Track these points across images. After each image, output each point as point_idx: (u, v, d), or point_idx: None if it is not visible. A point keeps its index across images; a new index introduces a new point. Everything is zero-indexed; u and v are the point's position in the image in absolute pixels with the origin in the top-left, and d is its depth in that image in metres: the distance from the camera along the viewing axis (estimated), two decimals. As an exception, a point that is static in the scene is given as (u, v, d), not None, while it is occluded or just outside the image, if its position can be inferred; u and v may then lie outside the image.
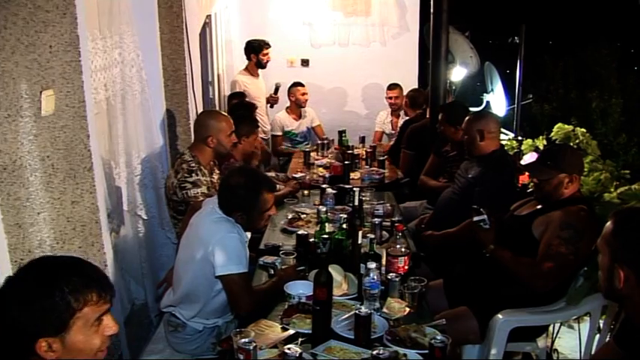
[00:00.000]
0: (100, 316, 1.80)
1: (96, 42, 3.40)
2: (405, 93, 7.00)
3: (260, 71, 7.12)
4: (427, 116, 6.08)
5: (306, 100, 7.15)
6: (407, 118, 6.66)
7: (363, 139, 6.91)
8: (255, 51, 6.94)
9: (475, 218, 3.43)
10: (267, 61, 7.05)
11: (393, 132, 7.19)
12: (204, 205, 3.26)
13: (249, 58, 7.03)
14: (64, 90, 2.64)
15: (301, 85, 7.15)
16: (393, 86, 7.25)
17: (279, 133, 7.18)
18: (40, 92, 2.46)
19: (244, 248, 3.10)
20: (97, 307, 1.78)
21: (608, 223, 2.20)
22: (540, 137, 4.99)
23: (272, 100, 7.25)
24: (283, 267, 3.34)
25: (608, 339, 3.14)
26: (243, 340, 2.42)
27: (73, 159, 2.70)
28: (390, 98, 7.23)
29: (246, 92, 6.82)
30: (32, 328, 1.72)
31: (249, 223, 3.18)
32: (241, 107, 5.35)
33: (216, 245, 2.97)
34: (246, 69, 7.06)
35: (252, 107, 5.84)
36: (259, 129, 5.99)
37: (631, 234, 2.13)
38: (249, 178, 3.15)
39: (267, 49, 6.99)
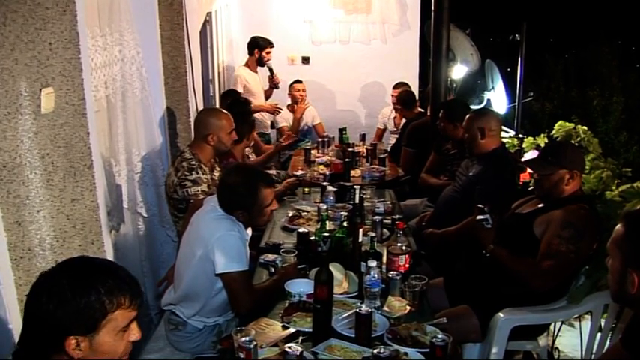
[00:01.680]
0: (129, 322, 1.83)
1: (96, 39, 3.39)
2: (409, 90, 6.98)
3: (258, 69, 7.12)
4: (428, 114, 6.08)
5: (301, 97, 7.11)
6: (406, 120, 6.63)
7: (363, 137, 6.89)
8: (260, 47, 6.95)
9: (478, 217, 3.43)
10: (268, 60, 7.05)
11: (395, 129, 7.18)
12: (205, 203, 3.25)
13: (251, 53, 7.02)
14: (64, 87, 2.63)
15: (298, 82, 7.15)
16: (398, 85, 7.20)
17: (285, 124, 7.15)
18: (40, 90, 2.45)
19: (244, 246, 3.09)
20: (127, 312, 1.82)
21: (619, 226, 2.17)
22: (541, 135, 4.97)
23: (273, 84, 7.19)
24: (284, 265, 3.34)
25: (609, 338, 3.14)
26: (243, 338, 2.41)
27: (73, 157, 2.70)
28: (394, 96, 7.19)
29: (247, 87, 6.86)
30: (65, 325, 1.75)
31: (251, 221, 3.18)
32: (238, 105, 5.33)
33: (216, 243, 2.97)
34: (247, 64, 7.06)
35: (248, 104, 5.83)
36: (261, 124, 6.05)
37: None
38: (246, 175, 3.14)
39: (270, 48, 7.01)
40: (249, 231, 3.33)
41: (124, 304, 1.80)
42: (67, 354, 1.76)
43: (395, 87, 7.22)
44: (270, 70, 7.13)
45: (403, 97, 6.65)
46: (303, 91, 7.10)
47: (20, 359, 1.81)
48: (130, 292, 1.82)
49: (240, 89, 6.76)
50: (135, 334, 1.86)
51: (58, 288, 1.75)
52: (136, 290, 1.85)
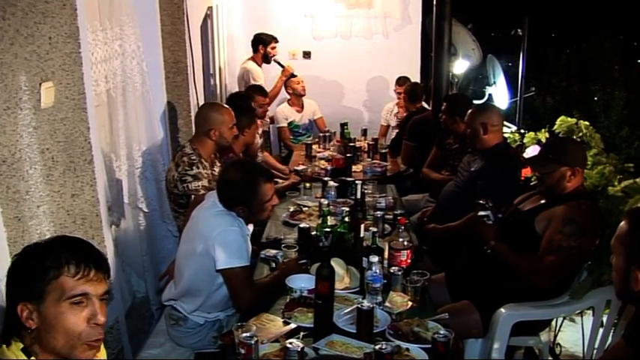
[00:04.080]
0: (79, 294, 1.77)
1: (96, 33, 3.38)
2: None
3: (263, 66, 7.11)
4: (429, 108, 6.07)
5: (304, 88, 7.11)
6: (407, 113, 6.60)
7: (365, 132, 6.90)
8: (264, 43, 6.96)
9: (480, 213, 3.42)
10: (273, 56, 7.06)
11: (398, 122, 7.16)
12: (206, 198, 3.25)
13: (256, 50, 7.02)
14: (63, 82, 2.62)
15: (294, 76, 7.12)
16: (401, 80, 7.19)
17: (284, 125, 7.16)
18: (40, 84, 2.44)
19: (245, 242, 3.08)
20: (74, 282, 1.76)
21: (623, 223, 2.16)
22: (543, 130, 4.96)
23: (287, 75, 7.07)
24: (285, 260, 3.33)
25: (611, 334, 3.13)
26: (244, 334, 2.40)
27: (73, 151, 2.69)
28: (399, 93, 7.16)
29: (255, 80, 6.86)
30: (14, 290, 1.78)
31: (251, 216, 3.17)
32: (240, 98, 5.32)
33: (216, 239, 2.96)
34: (252, 59, 7.06)
35: (248, 98, 5.79)
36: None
37: None
38: (245, 171, 3.13)
39: (275, 43, 7.02)
40: (251, 226, 3.32)
41: (67, 272, 1.75)
42: (25, 327, 1.75)
43: (398, 83, 7.20)
44: (279, 64, 7.08)
45: (409, 90, 6.63)
46: (298, 82, 7.07)
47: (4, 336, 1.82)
48: (78, 263, 1.77)
49: (252, 83, 6.78)
50: (95, 315, 1.79)
51: (16, 258, 1.81)
52: (87, 261, 1.79)
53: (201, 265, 3.05)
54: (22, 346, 1.77)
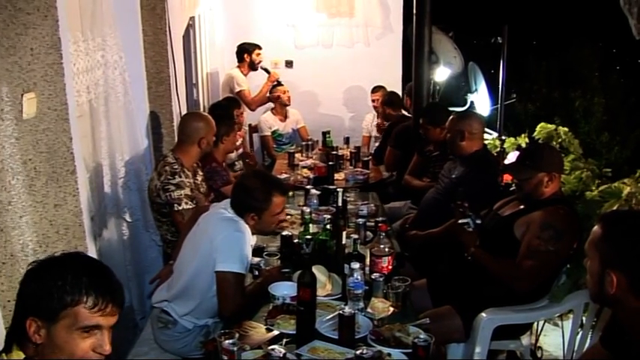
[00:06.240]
0: (92, 326, 1.78)
1: (78, 44, 3.39)
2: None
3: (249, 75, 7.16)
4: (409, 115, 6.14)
5: (289, 98, 7.15)
6: (389, 122, 6.64)
7: (347, 140, 6.93)
8: (249, 51, 7.01)
9: (460, 220, 3.46)
10: (259, 62, 7.11)
11: (378, 135, 7.21)
12: (212, 207, 3.32)
13: (241, 59, 7.05)
14: (45, 93, 2.63)
15: (281, 84, 7.17)
16: (376, 89, 7.28)
17: (268, 133, 7.18)
18: (22, 95, 2.45)
19: (248, 251, 3.12)
20: (89, 314, 1.77)
21: (596, 228, 2.18)
22: (522, 135, 5.02)
23: (272, 81, 7.14)
24: (267, 268, 3.35)
25: (590, 337, 3.17)
26: (227, 341, 2.42)
27: (56, 162, 2.70)
28: (374, 101, 7.25)
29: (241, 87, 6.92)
30: (26, 303, 1.78)
31: (260, 225, 3.21)
32: (220, 107, 5.35)
33: (221, 241, 3.01)
34: (238, 68, 7.09)
35: (229, 107, 5.80)
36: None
37: (622, 238, 2.09)
38: (263, 180, 3.23)
39: (259, 50, 7.08)
40: (254, 238, 3.37)
41: (85, 303, 1.76)
42: (30, 340, 1.76)
43: (373, 91, 7.28)
44: (266, 70, 7.16)
45: (387, 99, 6.68)
46: (284, 92, 7.11)
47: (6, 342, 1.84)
48: (96, 295, 1.77)
49: (237, 88, 6.81)
50: (101, 346, 1.80)
51: (37, 269, 1.80)
52: (105, 296, 1.79)
53: (203, 266, 3.07)
54: (23, 355, 1.78)
